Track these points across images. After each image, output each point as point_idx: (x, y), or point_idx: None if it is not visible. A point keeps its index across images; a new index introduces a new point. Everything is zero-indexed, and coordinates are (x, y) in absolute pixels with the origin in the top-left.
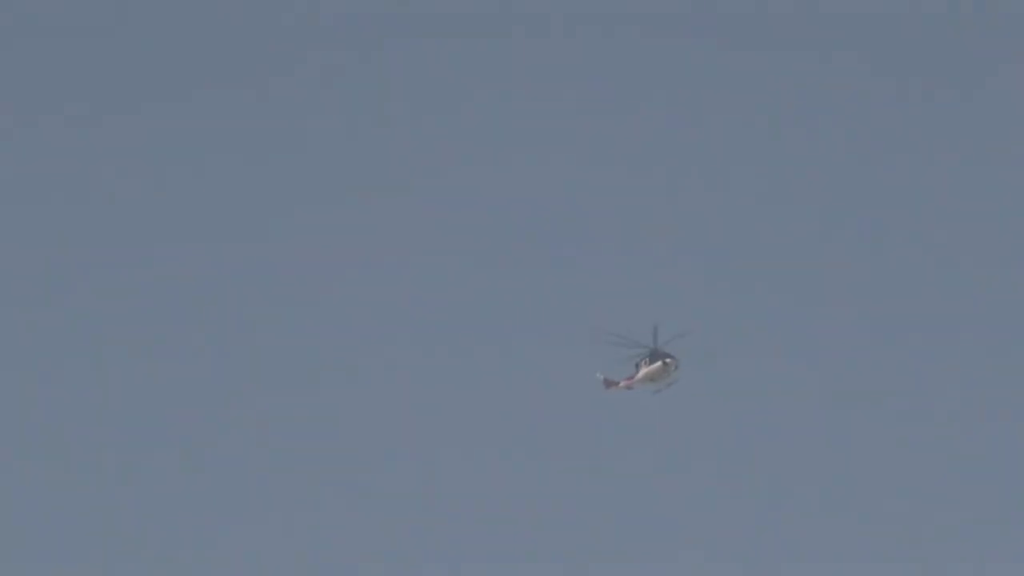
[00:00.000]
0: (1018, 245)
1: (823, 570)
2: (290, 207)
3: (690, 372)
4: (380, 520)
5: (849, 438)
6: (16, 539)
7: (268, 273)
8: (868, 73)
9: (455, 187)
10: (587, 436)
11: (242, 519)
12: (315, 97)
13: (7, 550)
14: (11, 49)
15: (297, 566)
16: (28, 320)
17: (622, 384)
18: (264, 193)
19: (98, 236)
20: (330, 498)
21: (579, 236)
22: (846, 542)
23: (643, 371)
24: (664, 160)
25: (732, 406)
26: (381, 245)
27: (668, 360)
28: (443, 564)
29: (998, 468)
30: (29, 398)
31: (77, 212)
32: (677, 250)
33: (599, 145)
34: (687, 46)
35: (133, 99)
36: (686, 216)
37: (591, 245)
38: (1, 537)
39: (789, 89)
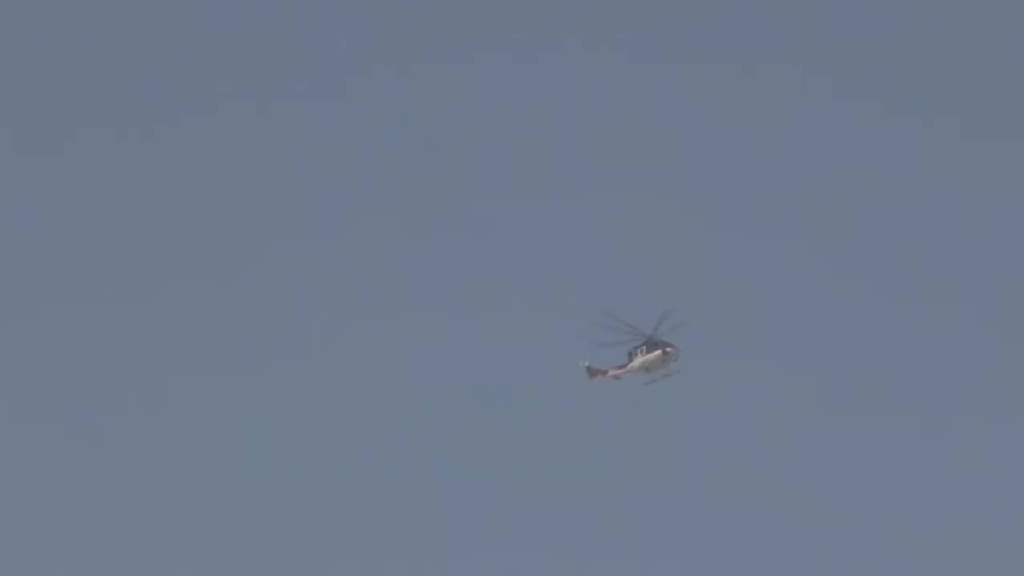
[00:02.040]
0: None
1: (818, 569)
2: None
3: (688, 363)
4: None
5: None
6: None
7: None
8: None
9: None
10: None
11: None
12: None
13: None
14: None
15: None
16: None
17: (610, 374)
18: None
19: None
20: (327, 486)
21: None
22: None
23: (639, 360)
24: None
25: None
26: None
27: (669, 349)
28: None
29: (996, 467)
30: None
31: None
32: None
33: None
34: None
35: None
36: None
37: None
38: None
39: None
